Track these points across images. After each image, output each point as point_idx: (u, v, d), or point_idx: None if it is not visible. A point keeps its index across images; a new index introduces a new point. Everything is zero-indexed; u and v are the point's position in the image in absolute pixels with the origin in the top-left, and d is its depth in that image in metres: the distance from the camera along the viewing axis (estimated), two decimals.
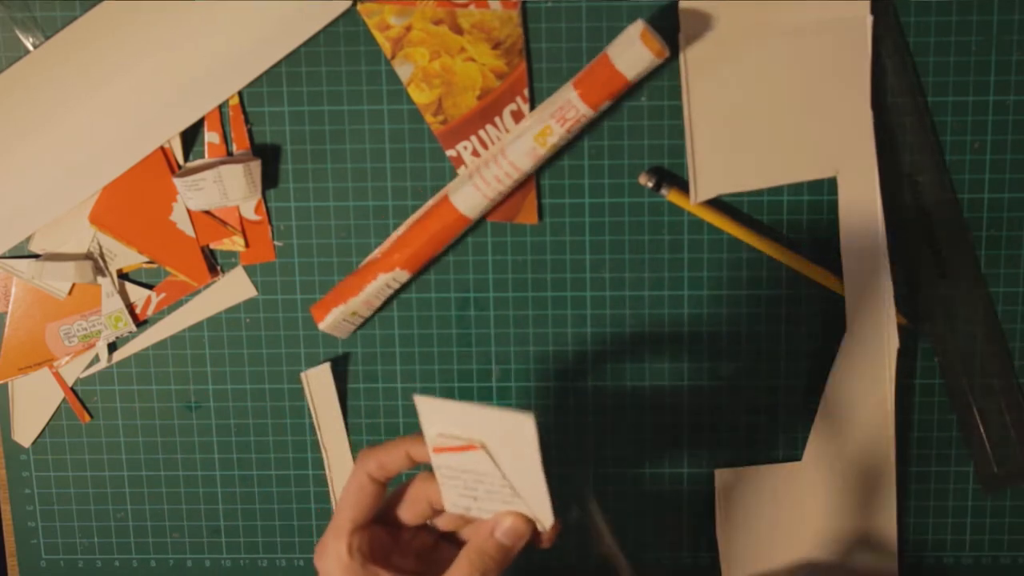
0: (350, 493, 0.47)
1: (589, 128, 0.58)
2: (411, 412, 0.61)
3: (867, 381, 0.58)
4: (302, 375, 0.61)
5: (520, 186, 0.58)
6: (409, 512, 0.48)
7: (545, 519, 0.46)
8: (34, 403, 0.62)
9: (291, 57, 0.58)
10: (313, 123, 0.59)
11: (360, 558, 0.46)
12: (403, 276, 0.58)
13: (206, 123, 0.59)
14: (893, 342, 0.58)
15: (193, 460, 0.63)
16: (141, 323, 0.61)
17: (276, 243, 0.60)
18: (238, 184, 0.58)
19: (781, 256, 0.58)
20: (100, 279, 0.60)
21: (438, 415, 0.45)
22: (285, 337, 0.61)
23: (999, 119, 0.57)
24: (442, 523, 0.50)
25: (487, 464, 0.45)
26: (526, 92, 0.58)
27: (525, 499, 0.45)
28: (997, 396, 0.59)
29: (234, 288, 0.61)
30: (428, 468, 0.47)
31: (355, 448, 0.62)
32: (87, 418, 0.62)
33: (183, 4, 0.57)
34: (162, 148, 0.59)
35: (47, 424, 0.62)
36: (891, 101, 0.57)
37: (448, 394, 0.61)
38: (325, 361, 0.61)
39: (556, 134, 0.55)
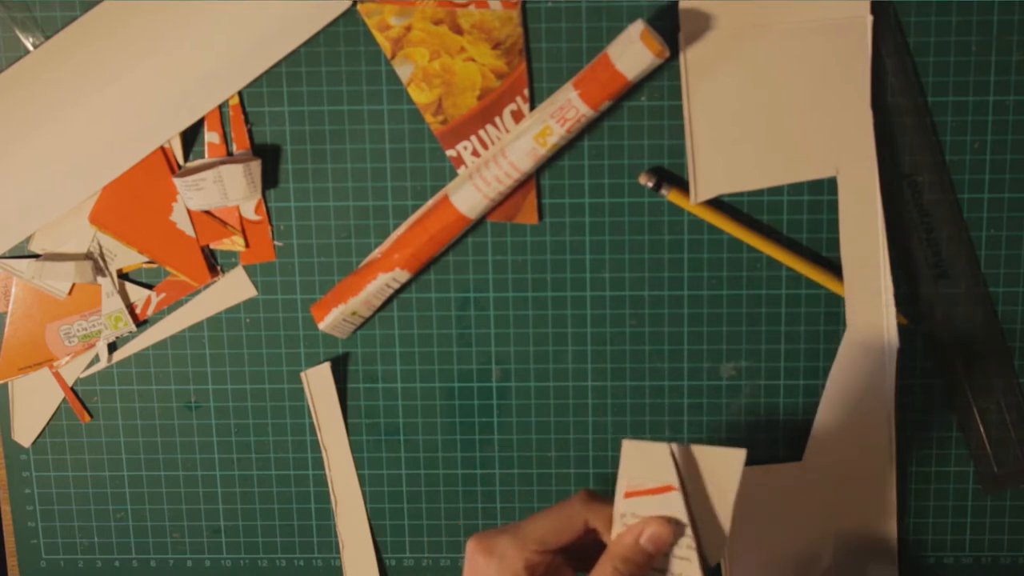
0: (560, 518, 0.47)
1: (589, 128, 0.58)
2: (411, 412, 0.61)
3: (867, 381, 0.58)
4: (302, 375, 0.61)
5: (520, 186, 0.58)
6: (562, 536, 0.48)
7: (713, 558, 0.47)
8: (34, 403, 0.62)
9: (291, 57, 0.58)
10: (313, 123, 0.59)
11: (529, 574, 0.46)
12: (403, 276, 0.58)
13: (206, 123, 0.59)
14: (893, 342, 0.58)
15: (193, 460, 0.63)
16: (141, 323, 0.61)
17: (276, 243, 0.60)
18: (238, 184, 0.58)
19: (781, 256, 0.58)
20: (100, 279, 0.60)
21: (641, 458, 0.47)
22: (285, 337, 0.61)
23: (999, 119, 0.57)
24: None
25: (678, 507, 0.46)
26: (526, 92, 0.58)
27: (704, 539, 0.47)
28: (997, 396, 0.59)
29: (234, 288, 0.61)
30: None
31: (355, 448, 0.62)
32: (87, 418, 0.62)
33: (183, 4, 0.57)
34: (162, 148, 0.59)
35: (47, 424, 0.62)
36: (891, 101, 0.57)
37: (448, 394, 0.61)
38: (325, 361, 0.61)
39: (556, 134, 0.55)
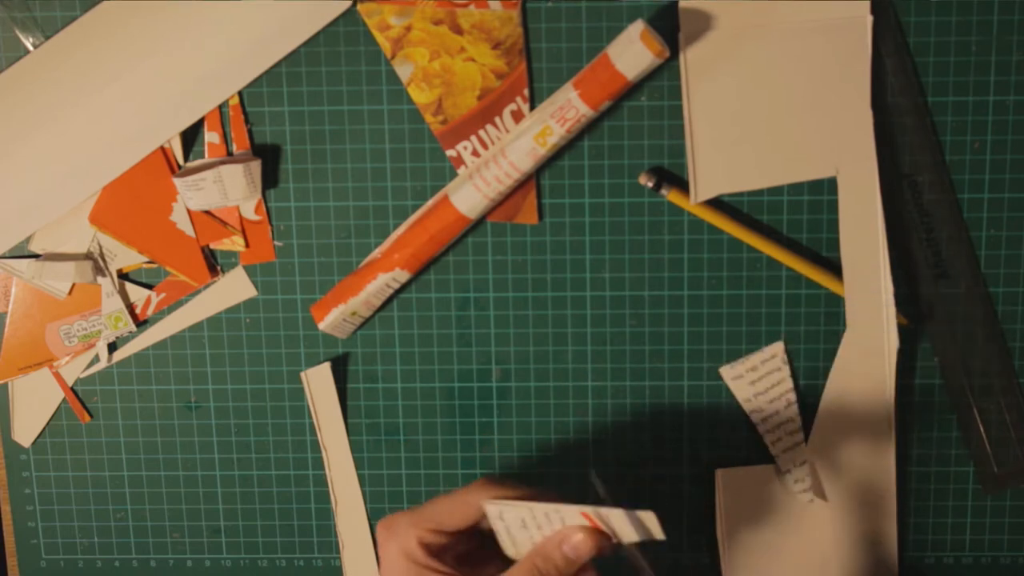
0: (456, 500, 0.49)
1: (589, 128, 0.58)
2: (411, 412, 0.61)
3: (867, 381, 0.58)
4: (302, 375, 0.61)
5: (520, 186, 0.58)
6: (456, 518, 0.49)
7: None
8: (34, 403, 0.62)
9: (291, 57, 0.58)
10: (313, 123, 0.59)
11: (424, 552, 0.48)
12: (403, 276, 0.58)
13: (206, 123, 0.59)
14: (893, 342, 0.58)
15: (193, 460, 0.63)
16: (141, 323, 0.61)
17: (276, 243, 0.60)
18: (238, 184, 0.58)
19: (781, 256, 0.58)
20: (100, 279, 0.60)
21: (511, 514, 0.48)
22: (285, 337, 0.61)
23: (999, 119, 0.57)
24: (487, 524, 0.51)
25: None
26: (526, 92, 0.58)
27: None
28: (997, 396, 0.59)
29: (234, 288, 0.61)
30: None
31: (355, 448, 0.62)
32: (87, 418, 0.62)
33: (183, 4, 0.57)
34: (162, 148, 0.59)
35: (47, 424, 0.62)
36: (891, 101, 0.57)
37: (448, 394, 0.61)
38: (325, 361, 0.61)
39: (556, 134, 0.55)
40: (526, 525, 0.48)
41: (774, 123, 0.57)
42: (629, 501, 0.47)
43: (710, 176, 0.57)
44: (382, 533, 0.49)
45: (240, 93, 0.58)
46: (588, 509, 0.47)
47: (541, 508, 0.47)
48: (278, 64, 0.58)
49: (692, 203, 0.58)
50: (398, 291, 0.60)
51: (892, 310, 0.58)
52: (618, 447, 0.61)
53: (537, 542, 0.48)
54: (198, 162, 0.59)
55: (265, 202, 0.60)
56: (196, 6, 0.57)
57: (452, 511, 0.49)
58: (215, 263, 0.60)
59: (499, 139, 0.58)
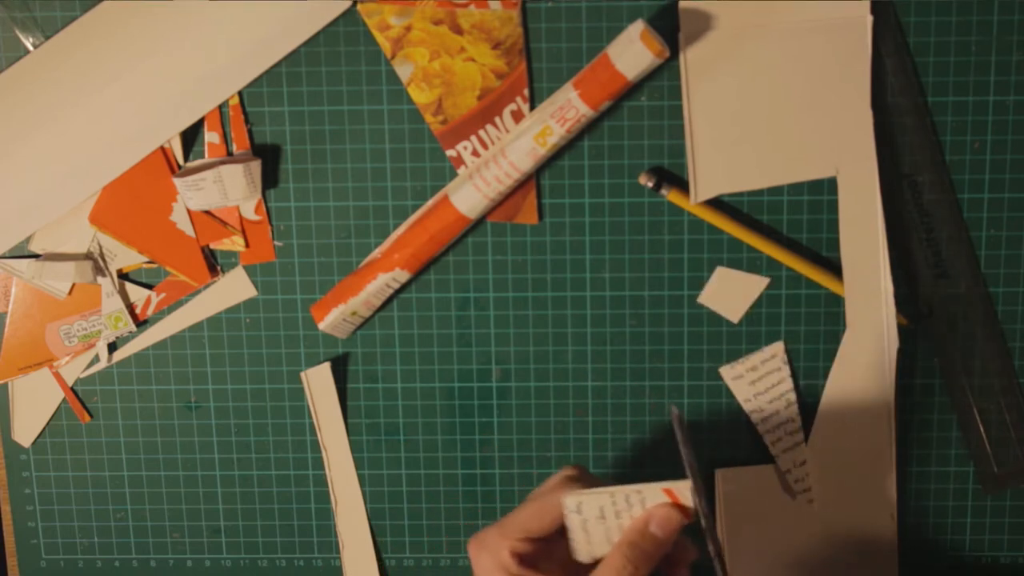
0: (537, 505, 0.48)
1: (589, 128, 0.58)
2: (411, 412, 0.61)
3: (867, 381, 0.58)
4: (302, 375, 0.61)
5: (520, 186, 0.58)
6: (543, 522, 0.48)
7: None
8: (34, 403, 0.62)
9: (291, 57, 0.58)
10: (313, 123, 0.59)
11: (517, 562, 0.47)
12: (403, 276, 0.58)
13: (206, 123, 0.59)
14: (893, 342, 0.58)
15: (193, 460, 0.63)
16: (141, 323, 0.61)
17: (276, 243, 0.60)
18: (238, 184, 0.58)
19: (781, 256, 0.58)
20: (100, 279, 0.60)
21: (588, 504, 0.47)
22: (285, 337, 0.61)
23: (999, 119, 0.57)
24: None
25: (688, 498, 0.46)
26: (526, 92, 0.58)
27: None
28: (997, 396, 0.59)
29: (234, 288, 0.61)
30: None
31: (355, 448, 0.62)
32: (87, 418, 0.62)
33: (183, 4, 0.57)
34: (162, 148, 0.59)
35: (47, 424, 0.62)
36: (891, 101, 0.57)
37: (448, 394, 0.61)
38: (325, 361, 0.61)
39: (556, 134, 0.55)
40: (604, 515, 0.46)
41: (774, 123, 0.57)
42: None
43: (710, 176, 0.57)
44: (473, 549, 0.48)
45: (240, 93, 0.58)
46: (671, 484, 0.46)
47: (622, 491, 0.46)
48: (278, 64, 0.58)
49: (692, 203, 0.58)
50: (398, 291, 0.60)
51: (892, 310, 0.58)
52: (618, 447, 0.61)
53: (613, 536, 0.46)
54: (198, 162, 0.59)
55: (265, 202, 0.60)
56: (196, 6, 0.57)
57: (537, 515, 0.48)
58: (215, 263, 0.60)
59: (499, 139, 0.58)
